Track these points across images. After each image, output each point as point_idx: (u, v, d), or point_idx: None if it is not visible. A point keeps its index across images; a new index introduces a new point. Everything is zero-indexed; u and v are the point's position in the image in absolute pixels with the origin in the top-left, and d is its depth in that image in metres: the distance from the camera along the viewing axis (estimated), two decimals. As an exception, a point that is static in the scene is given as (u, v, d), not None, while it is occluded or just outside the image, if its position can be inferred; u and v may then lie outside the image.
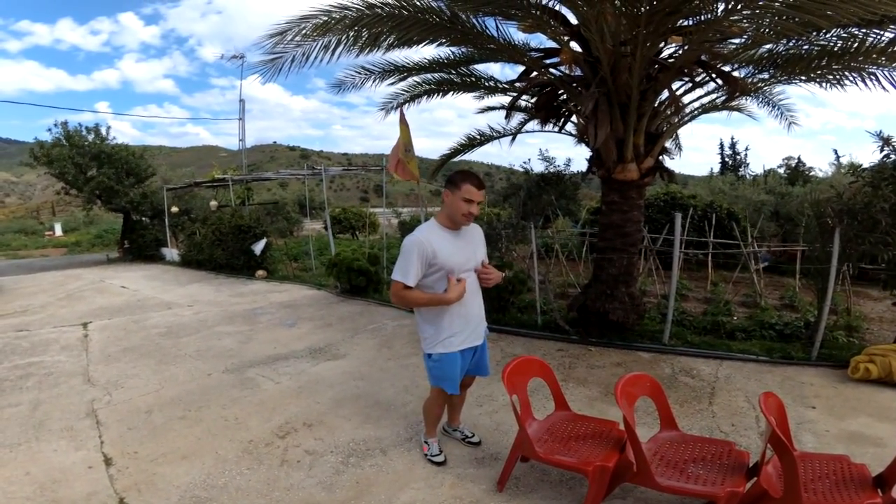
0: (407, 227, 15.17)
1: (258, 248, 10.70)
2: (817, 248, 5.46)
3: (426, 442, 3.22)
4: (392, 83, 6.59)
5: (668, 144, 5.95)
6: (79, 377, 4.69)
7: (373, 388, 4.35)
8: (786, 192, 13.96)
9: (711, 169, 34.17)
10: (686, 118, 5.80)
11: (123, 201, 13.70)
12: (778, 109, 7.10)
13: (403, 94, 7.03)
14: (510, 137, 7.55)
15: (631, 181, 5.26)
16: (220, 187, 14.58)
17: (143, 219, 14.82)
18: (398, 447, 3.33)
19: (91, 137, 13.81)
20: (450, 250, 2.73)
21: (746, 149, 35.11)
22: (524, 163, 11.89)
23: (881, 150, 4.93)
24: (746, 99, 6.59)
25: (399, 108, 6.96)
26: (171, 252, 13.89)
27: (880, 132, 4.90)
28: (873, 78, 4.74)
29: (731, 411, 3.83)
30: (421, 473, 3.02)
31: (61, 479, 2.97)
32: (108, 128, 14.22)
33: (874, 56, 4.41)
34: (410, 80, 6.66)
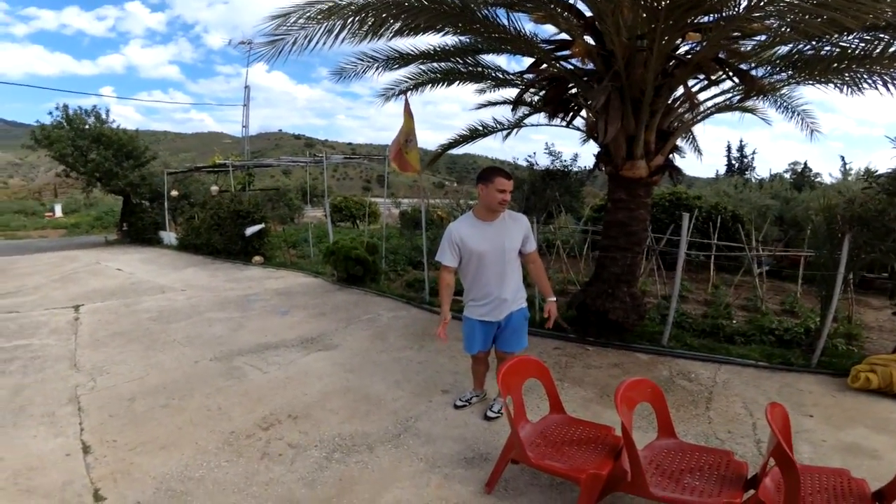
0: (408, 218, 15.09)
1: (250, 230, 10.59)
2: (824, 255, 5.33)
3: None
4: (395, 69, 6.44)
5: (679, 143, 5.81)
6: (65, 362, 4.60)
7: (363, 382, 4.24)
8: (791, 198, 13.75)
9: (717, 171, 33.86)
10: (699, 116, 5.66)
11: (122, 183, 13.68)
12: (797, 115, 6.88)
13: (407, 82, 6.87)
14: (514, 130, 7.41)
15: (639, 179, 5.13)
16: (222, 173, 14.49)
17: (143, 202, 14.79)
18: (385, 444, 3.23)
19: (91, 120, 13.82)
20: (477, 238, 3.21)
21: (754, 152, 34.66)
22: (529, 156, 11.74)
23: None
24: (762, 101, 6.42)
25: (404, 97, 6.82)
26: (170, 236, 13.82)
27: None
28: (894, 83, 4.58)
29: (728, 417, 3.73)
30: (407, 472, 2.93)
31: (37, 467, 2.89)
32: (108, 110, 14.30)
33: None
34: (415, 68, 6.51)
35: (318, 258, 10.55)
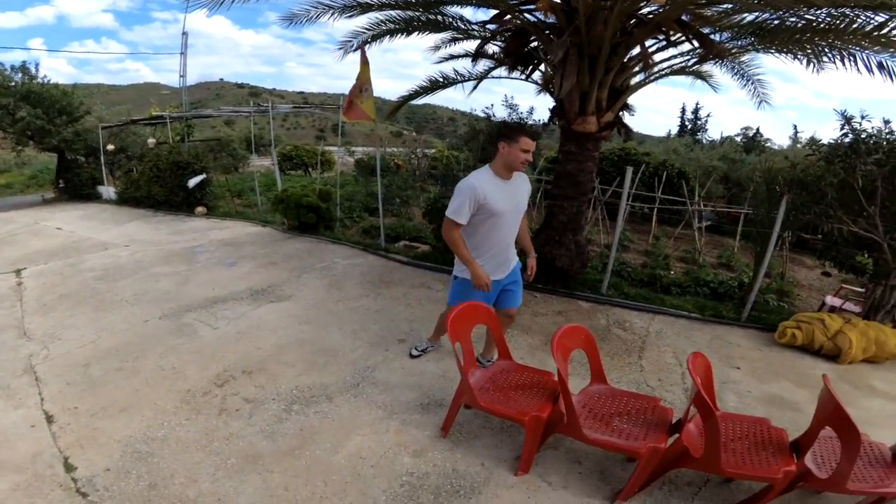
0: (363, 165, 14.85)
1: (192, 182, 10.17)
2: (762, 213, 5.63)
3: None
4: (352, 17, 6.11)
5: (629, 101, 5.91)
6: (13, 331, 4.36)
7: (319, 333, 4.27)
8: (739, 159, 14.21)
9: (669, 131, 34.77)
10: (653, 77, 5.71)
11: (56, 140, 12.72)
12: (751, 83, 6.91)
13: (365, 33, 6.54)
14: (474, 82, 7.29)
15: (589, 133, 5.26)
16: (160, 125, 13.66)
17: (78, 158, 13.83)
18: (344, 393, 3.33)
19: (18, 77, 12.59)
20: (499, 196, 3.04)
21: (708, 115, 35.63)
22: (486, 108, 11.66)
23: (841, 129, 5.04)
24: (719, 67, 6.48)
25: (360, 48, 6.56)
26: (108, 190, 13.10)
27: (844, 111, 5.01)
28: (852, 59, 4.70)
29: (659, 366, 3.99)
30: (366, 420, 3.05)
31: (3, 441, 2.82)
32: (37, 65, 13.03)
33: (859, 37, 4.35)
34: (374, 16, 6.19)
35: (265, 207, 10.28)
